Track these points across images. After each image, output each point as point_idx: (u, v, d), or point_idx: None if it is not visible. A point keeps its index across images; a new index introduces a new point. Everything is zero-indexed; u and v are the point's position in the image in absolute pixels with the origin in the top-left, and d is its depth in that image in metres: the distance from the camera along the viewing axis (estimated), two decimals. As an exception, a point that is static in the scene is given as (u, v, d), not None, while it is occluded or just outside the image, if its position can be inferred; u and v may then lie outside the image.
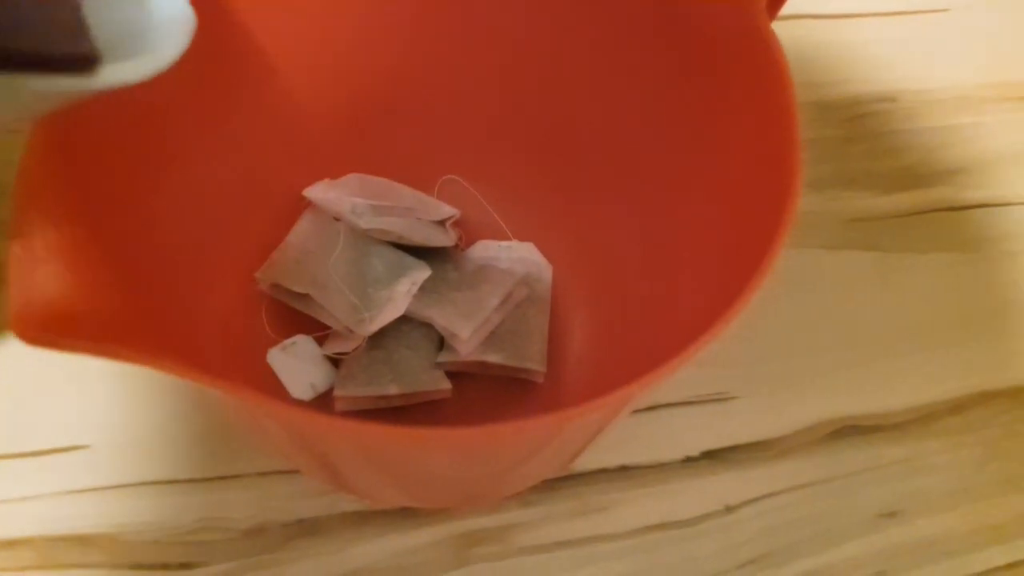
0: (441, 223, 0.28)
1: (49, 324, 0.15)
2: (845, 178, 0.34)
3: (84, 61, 0.13)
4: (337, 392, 0.25)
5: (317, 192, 0.27)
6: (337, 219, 0.27)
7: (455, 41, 0.25)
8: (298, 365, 0.25)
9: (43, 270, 0.15)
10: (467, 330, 0.24)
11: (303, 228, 0.27)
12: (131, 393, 0.27)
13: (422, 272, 0.26)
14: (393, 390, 0.24)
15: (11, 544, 0.24)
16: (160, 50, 0.14)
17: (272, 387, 0.26)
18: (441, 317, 0.25)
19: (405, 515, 0.25)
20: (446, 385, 0.25)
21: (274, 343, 0.26)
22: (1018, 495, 0.28)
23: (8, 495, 0.25)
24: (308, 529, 0.25)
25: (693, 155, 0.22)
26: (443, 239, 0.27)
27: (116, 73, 0.13)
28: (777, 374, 0.29)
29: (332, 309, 0.24)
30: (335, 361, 0.26)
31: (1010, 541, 0.27)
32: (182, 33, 0.15)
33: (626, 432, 0.27)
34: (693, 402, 0.28)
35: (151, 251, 0.20)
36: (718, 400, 0.28)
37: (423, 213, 0.27)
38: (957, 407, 0.29)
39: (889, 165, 0.35)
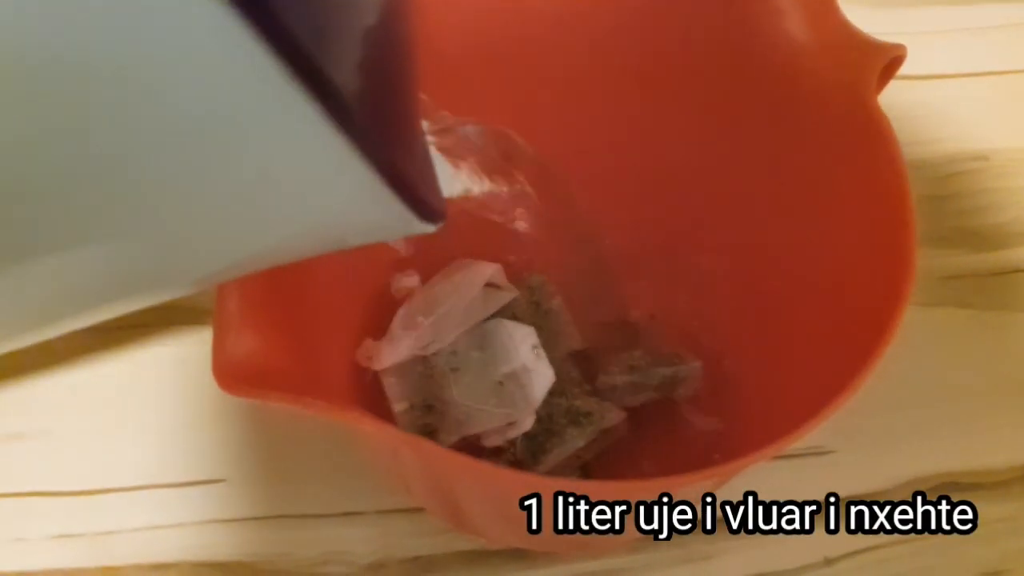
0: (490, 284, 0.28)
1: (244, 377, 0.17)
2: (938, 236, 0.35)
3: (439, 215, 0.14)
4: (538, 470, 0.25)
5: (385, 359, 0.26)
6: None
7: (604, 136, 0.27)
8: None
9: (237, 332, 0.18)
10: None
11: (401, 392, 0.26)
12: (263, 432, 0.29)
13: (524, 329, 0.26)
14: (581, 443, 0.25)
15: (161, 567, 0.26)
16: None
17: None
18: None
19: (517, 556, 0.27)
20: (621, 415, 0.25)
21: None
22: None
23: (158, 522, 0.27)
24: (425, 566, 0.27)
25: (805, 225, 0.23)
26: (505, 296, 0.27)
27: (427, 227, 0.14)
28: (874, 429, 0.30)
29: (489, 425, 0.25)
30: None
31: (1119, 606, 0.27)
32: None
33: (729, 484, 0.28)
34: (792, 456, 0.29)
35: (305, 323, 0.23)
36: (817, 454, 0.29)
37: (469, 287, 0.27)
38: (1060, 468, 0.29)
39: (983, 223, 0.35)
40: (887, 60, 0.21)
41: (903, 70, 0.39)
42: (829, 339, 0.21)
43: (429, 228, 0.14)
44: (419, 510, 0.27)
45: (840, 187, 0.22)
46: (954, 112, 0.38)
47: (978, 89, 0.39)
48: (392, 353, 0.26)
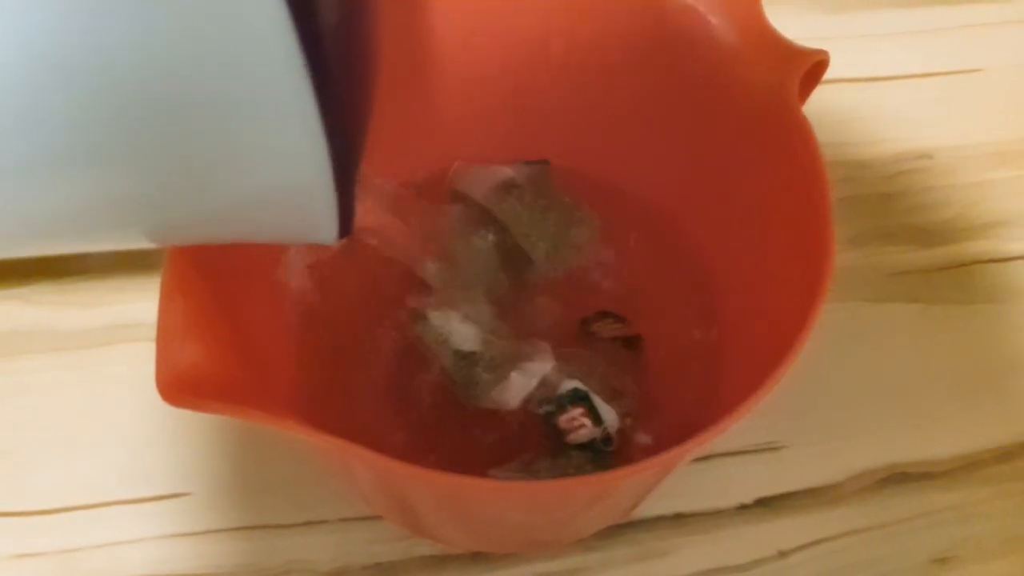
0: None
1: (187, 388, 0.18)
2: (885, 233, 0.36)
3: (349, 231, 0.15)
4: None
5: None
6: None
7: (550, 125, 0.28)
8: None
9: (182, 342, 0.18)
10: None
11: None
12: (226, 445, 0.29)
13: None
14: None
15: (124, 584, 0.27)
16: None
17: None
18: None
19: (477, 559, 0.27)
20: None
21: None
22: (1071, 542, 0.29)
23: (121, 538, 0.27)
24: (386, 572, 0.27)
25: (734, 225, 0.24)
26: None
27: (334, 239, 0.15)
28: (825, 423, 0.30)
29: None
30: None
31: (1064, 587, 0.28)
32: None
33: (682, 481, 0.28)
34: (745, 451, 0.30)
35: (249, 331, 0.23)
36: (769, 449, 0.30)
37: None
38: (1005, 455, 0.30)
39: (929, 220, 0.36)
40: (809, 65, 0.22)
41: (851, 73, 0.41)
42: (761, 336, 0.21)
43: (335, 240, 0.15)
44: (380, 517, 0.28)
45: (764, 188, 0.22)
46: (900, 112, 0.39)
47: (923, 90, 0.40)
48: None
